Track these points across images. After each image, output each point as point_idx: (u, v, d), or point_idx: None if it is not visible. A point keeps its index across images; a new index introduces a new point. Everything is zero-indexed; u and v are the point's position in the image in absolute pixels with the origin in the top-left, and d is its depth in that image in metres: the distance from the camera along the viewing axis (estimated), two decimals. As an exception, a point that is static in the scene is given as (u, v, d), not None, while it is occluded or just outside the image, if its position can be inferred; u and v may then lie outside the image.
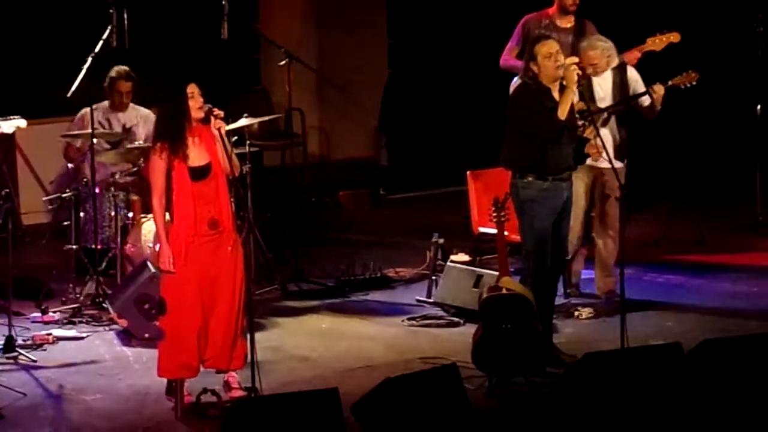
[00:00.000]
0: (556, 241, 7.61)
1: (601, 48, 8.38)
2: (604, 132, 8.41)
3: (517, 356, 7.25)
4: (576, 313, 8.50)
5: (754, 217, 10.54)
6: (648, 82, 8.43)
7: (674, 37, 8.66)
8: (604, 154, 8.05)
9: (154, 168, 6.97)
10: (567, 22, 9.00)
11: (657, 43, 8.65)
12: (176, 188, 6.96)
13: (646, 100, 8.40)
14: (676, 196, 10.46)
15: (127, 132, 9.32)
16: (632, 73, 8.54)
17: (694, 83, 8.30)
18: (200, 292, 6.98)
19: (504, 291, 7.37)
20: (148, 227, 8.75)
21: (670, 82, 8.32)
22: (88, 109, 8.93)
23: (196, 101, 6.98)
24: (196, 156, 6.98)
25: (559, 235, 7.65)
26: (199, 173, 6.97)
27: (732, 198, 11.24)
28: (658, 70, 8.56)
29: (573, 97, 7.46)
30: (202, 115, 7.00)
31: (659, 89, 8.25)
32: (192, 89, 6.98)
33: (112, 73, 9.33)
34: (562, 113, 7.41)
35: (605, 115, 8.39)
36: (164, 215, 6.99)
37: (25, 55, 11.25)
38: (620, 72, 8.48)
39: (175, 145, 6.93)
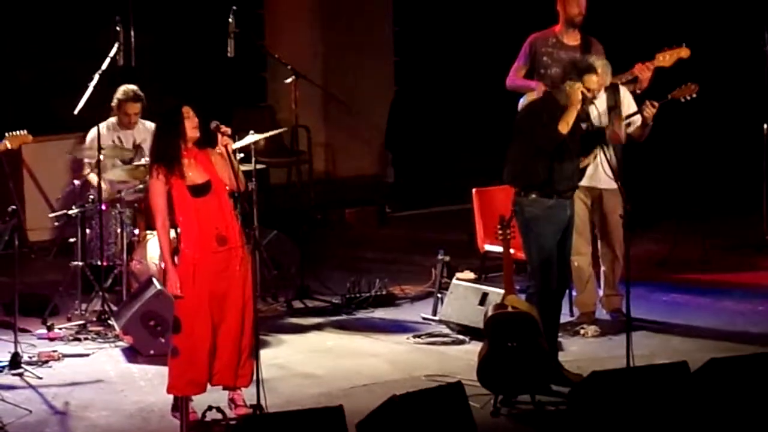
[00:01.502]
0: (560, 259, 7.60)
1: (601, 67, 8.38)
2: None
3: (522, 374, 7.24)
4: (582, 332, 8.49)
5: (760, 235, 10.53)
6: (650, 95, 8.42)
7: (684, 53, 8.63)
8: (600, 174, 8.04)
9: (155, 191, 6.99)
10: (573, 40, 9.00)
11: (667, 58, 8.64)
12: (178, 206, 6.98)
13: (637, 120, 8.39)
14: (682, 214, 10.45)
15: (138, 149, 9.33)
16: (624, 93, 8.53)
17: (694, 95, 8.28)
18: (210, 309, 6.99)
19: (509, 309, 7.37)
20: (154, 244, 8.76)
21: (669, 96, 8.30)
22: (96, 130, 8.93)
23: (191, 121, 7.02)
24: (194, 175, 7.02)
25: (564, 253, 7.64)
26: (199, 190, 7.01)
27: (738, 217, 11.23)
28: (661, 84, 8.58)
29: (575, 114, 7.47)
30: (197, 135, 7.04)
31: (650, 109, 8.20)
32: (187, 110, 7.02)
33: (120, 94, 9.27)
34: (563, 128, 7.42)
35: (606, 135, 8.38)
36: (169, 238, 7.00)
37: (31, 71, 11.28)
38: (613, 92, 8.47)
39: (171, 165, 6.96)
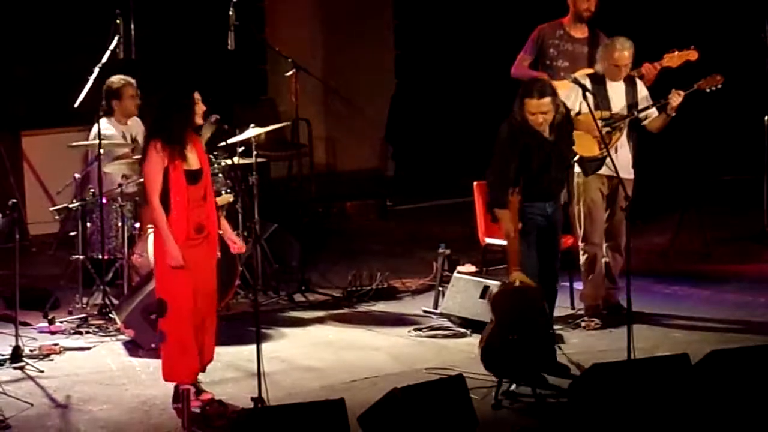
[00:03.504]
0: (545, 255, 7.54)
1: (630, 47, 8.39)
2: (623, 141, 8.43)
3: (528, 353, 7.20)
4: (583, 324, 8.49)
5: (760, 227, 10.52)
6: (675, 85, 8.43)
7: (692, 55, 8.68)
8: (611, 164, 8.05)
9: (155, 166, 7.01)
10: (581, 33, 9.01)
11: (675, 59, 8.67)
12: (173, 190, 7.00)
13: (653, 113, 8.41)
14: (683, 207, 10.45)
15: (135, 143, 9.32)
16: (641, 87, 8.55)
17: (719, 86, 8.33)
18: (195, 295, 7.04)
19: (517, 284, 7.34)
20: (155, 237, 8.74)
21: (695, 86, 8.34)
22: (100, 126, 8.92)
23: (200, 107, 7.10)
24: (192, 160, 7.07)
25: (548, 250, 7.58)
26: (193, 177, 7.05)
27: (739, 209, 11.23)
28: (686, 75, 8.61)
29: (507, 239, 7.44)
30: (201, 122, 7.11)
31: (677, 98, 8.24)
32: (197, 95, 7.09)
33: (116, 83, 9.23)
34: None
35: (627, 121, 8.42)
36: (163, 213, 7.00)
37: (31, 64, 11.26)
38: (632, 85, 8.49)
39: (176, 145, 6.99)
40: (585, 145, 8.06)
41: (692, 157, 11.63)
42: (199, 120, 7.10)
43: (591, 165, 8.33)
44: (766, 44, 10.51)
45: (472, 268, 8.96)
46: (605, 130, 8.09)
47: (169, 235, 6.98)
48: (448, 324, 8.60)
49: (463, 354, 7.96)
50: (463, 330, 8.46)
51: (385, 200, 12.08)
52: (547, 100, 7.48)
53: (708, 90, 8.35)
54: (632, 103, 8.43)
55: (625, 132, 8.44)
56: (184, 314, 7.02)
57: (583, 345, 8.14)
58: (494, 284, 8.34)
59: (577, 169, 8.26)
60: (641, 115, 8.39)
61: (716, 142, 12.04)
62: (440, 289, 8.92)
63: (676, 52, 8.69)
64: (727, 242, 10.44)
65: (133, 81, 9.30)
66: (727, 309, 8.84)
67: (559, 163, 7.64)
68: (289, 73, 9.67)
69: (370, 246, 10.81)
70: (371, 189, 12.32)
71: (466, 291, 8.58)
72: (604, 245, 8.59)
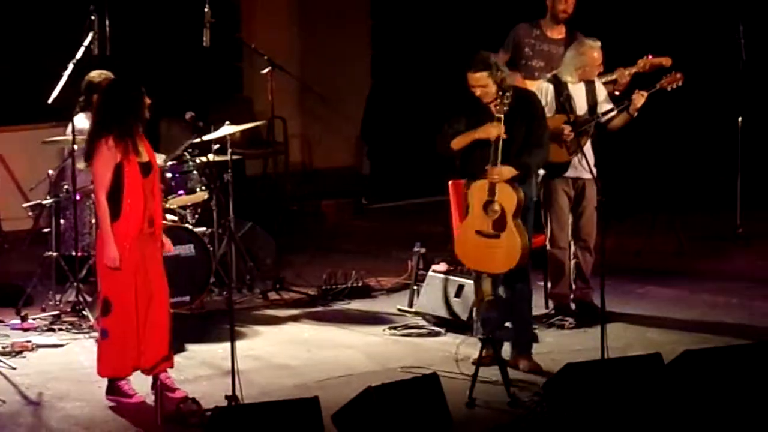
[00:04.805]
0: None
1: (599, 46, 8.41)
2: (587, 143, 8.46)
3: None
4: (557, 323, 8.50)
5: (733, 228, 10.57)
6: (638, 85, 8.45)
7: (665, 61, 8.70)
8: (584, 164, 8.08)
9: (106, 161, 6.98)
10: (558, 33, 9.01)
11: (647, 67, 8.69)
12: (129, 184, 6.98)
13: (612, 114, 8.45)
14: (657, 207, 10.49)
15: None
16: (600, 89, 8.56)
17: (680, 84, 8.36)
18: (137, 290, 7.05)
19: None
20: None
21: (657, 85, 8.37)
22: (79, 121, 8.88)
23: (146, 100, 7.09)
24: (143, 154, 7.08)
25: None
26: (146, 169, 7.07)
27: (712, 209, 11.28)
28: (634, 76, 8.64)
29: (472, 138, 7.43)
30: (148, 116, 7.09)
31: (640, 98, 8.27)
32: (143, 89, 7.09)
33: (97, 77, 9.15)
34: (457, 144, 7.41)
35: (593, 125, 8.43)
36: (108, 211, 6.99)
37: (3, 60, 11.21)
38: (589, 82, 8.52)
39: (129, 140, 6.97)
40: (552, 151, 8.05)
41: (666, 157, 11.68)
42: (146, 113, 7.07)
43: (557, 169, 8.35)
44: (740, 45, 10.56)
45: (447, 267, 8.96)
46: (572, 135, 8.11)
47: (110, 235, 6.97)
48: (422, 323, 8.60)
49: (437, 353, 7.97)
50: (437, 329, 8.46)
51: (361, 198, 12.08)
52: (482, 74, 7.39)
53: (670, 89, 8.38)
54: (593, 104, 8.45)
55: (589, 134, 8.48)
56: (128, 312, 7.03)
57: (558, 344, 8.16)
58: (469, 282, 8.36)
59: (541, 171, 8.25)
60: (604, 119, 8.40)
61: (690, 142, 12.09)
62: (415, 287, 8.92)
63: (650, 59, 8.71)
64: (701, 242, 10.48)
65: (112, 75, 9.25)
66: (700, 309, 8.88)
67: (507, 146, 7.42)
68: (265, 71, 9.65)
69: (346, 244, 10.80)
70: (347, 187, 12.32)
71: (440, 290, 8.59)
72: (573, 245, 8.61)
